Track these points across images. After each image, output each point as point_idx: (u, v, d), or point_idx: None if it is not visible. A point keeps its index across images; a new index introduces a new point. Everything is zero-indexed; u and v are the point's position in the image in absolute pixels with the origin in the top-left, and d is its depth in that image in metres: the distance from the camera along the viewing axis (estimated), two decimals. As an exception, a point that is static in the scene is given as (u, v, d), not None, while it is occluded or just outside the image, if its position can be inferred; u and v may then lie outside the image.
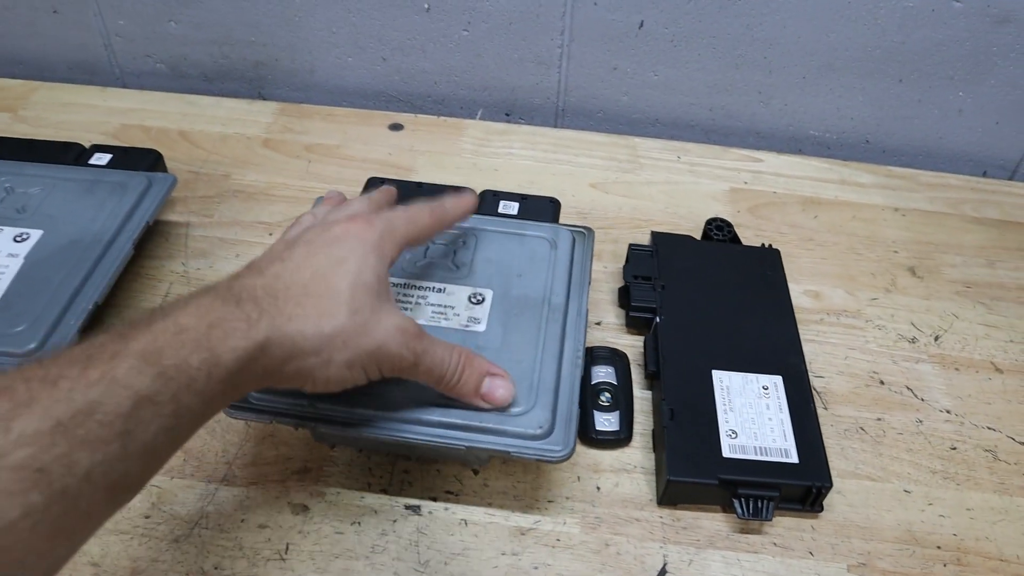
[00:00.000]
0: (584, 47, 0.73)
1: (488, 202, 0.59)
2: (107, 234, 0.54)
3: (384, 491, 0.48)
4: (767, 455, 0.47)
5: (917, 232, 0.67)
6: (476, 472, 0.49)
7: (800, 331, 0.55)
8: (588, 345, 0.53)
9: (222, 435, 0.50)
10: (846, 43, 0.70)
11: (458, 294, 0.50)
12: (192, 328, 0.34)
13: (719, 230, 0.62)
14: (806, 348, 0.54)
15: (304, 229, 0.43)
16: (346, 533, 0.46)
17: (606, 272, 0.62)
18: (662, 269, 0.58)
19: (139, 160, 0.62)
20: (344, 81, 0.79)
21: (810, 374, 0.53)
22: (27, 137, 0.65)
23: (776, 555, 0.46)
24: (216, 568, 0.44)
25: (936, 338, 0.59)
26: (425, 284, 0.51)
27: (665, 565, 0.45)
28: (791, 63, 0.72)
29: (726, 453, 0.47)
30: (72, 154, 0.62)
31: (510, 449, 0.43)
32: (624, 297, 0.58)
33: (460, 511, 0.47)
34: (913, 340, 0.59)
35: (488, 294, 0.50)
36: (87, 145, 0.63)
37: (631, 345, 0.56)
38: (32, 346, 0.47)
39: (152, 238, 0.62)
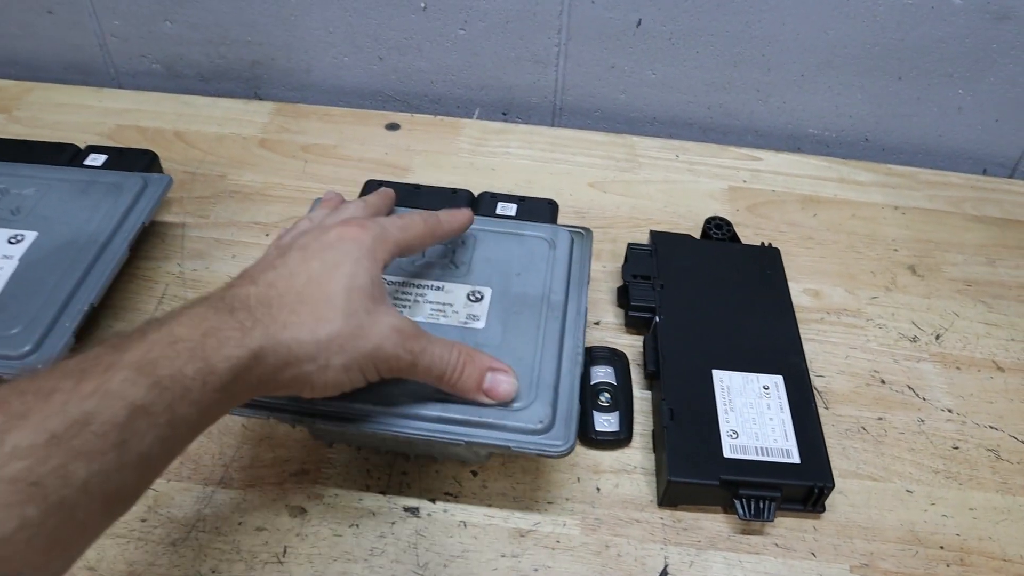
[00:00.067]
0: (581, 46, 0.73)
1: (486, 204, 0.59)
2: (102, 235, 0.54)
3: (382, 493, 0.48)
4: (768, 455, 0.47)
5: (917, 230, 0.67)
6: (475, 473, 0.49)
7: (800, 330, 0.54)
8: (587, 345, 0.53)
9: (219, 437, 0.50)
10: (845, 40, 0.70)
11: (456, 292, 0.50)
12: (186, 338, 0.33)
13: (718, 229, 0.62)
14: (806, 347, 0.54)
15: (299, 234, 0.43)
16: (344, 535, 0.46)
17: (605, 271, 0.62)
18: (661, 268, 0.58)
19: (134, 161, 0.62)
20: (341, 81, 0.79)
21: (811, 373, 0.52)
22: (22, 138, 0.65)
23: (778, 556, 0.46)
24: (213, 572, 0.44)
25: (937, 337, 0.59)
26: (423, 282, 0.50)
27: (666, 567, 0.45)
28: (789, 61, 0.72)
29: (727, 453, 0.47)
30: (67, 155, 0.62)
31: (510, 444, 0.42)
32: (623, 296, 0.58)
33: (459, 513, 0.47)
34: (914, 339, 0.58)
35: (487, 292, 0.50)
36: (82, 146, 0.63)
37: (630, 345, 0.56)
38: (27, 348, 0.47)
39: (148, 239, 0.62)
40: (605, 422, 0.50)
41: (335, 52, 0.77)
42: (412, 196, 0.58)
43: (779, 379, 0.51)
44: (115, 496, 0.30)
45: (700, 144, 0.74)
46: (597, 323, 0.58)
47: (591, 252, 0.54)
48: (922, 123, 0.74)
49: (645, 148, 0.74)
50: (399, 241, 0.44)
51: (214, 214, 0.65)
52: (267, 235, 0.63)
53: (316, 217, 0.47)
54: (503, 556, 0.45)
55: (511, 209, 0.58)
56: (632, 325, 0.57)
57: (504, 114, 0.79)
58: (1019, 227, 0.68)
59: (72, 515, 0.28)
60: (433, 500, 0.47)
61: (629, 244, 0.60)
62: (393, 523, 0.46)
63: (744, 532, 0.47)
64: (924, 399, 0.54)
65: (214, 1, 0.74)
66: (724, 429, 0.48)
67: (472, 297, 0.50)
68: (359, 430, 0.43)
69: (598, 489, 0.49)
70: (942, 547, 0.47)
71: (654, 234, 0.61)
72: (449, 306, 0.49)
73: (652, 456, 0.50)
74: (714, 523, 0.47)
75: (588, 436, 0.50)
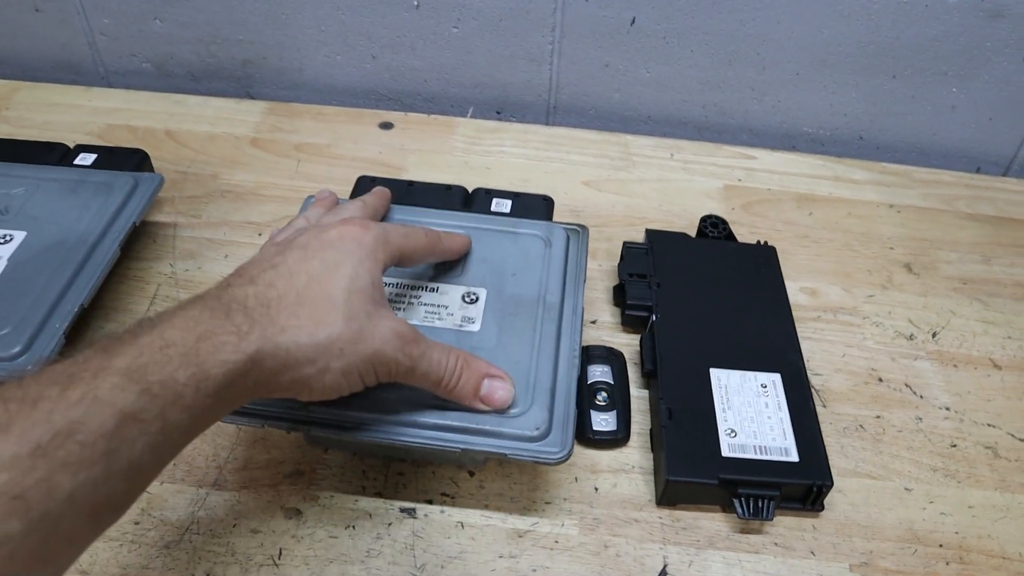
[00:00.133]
0: (575, 44, 0.73)
1: (480, 200, 0.58)
2: (92, 235, 0.53)
3: (379, 494, 0.47)
4: (767, 454, 0.47)
5: (912, 228, 0.67)
6: (472, 474, 0.48)
7: (797, 328, 0.54)
8: (583, 344, 0.52)
9: (212, 439, 0.49)
10: (839, 39, 0.70)
11: (451, 293, 0.49)
12: (179, 342, 0.33)
13: (714, 227, 0.62)
14: (803, 346, 0.54)
15: (297, 232, 0.43)
16: (340, 537, 0.45)
17: (600, 270, 0.61)
18: (657, 267, 0.58)
19: (125, 160, 0.61)
20: (333, 79, 0.78)
21: (808, 372, 0.52)
22: (10, 138, 0.64)
23: (777, 555, 0.46)
24: (208, 575, 0.43)
25: (934, 335, 0.58)
26: (418, 283, 0.50)
27: (665, 566, 0.45)
28: (784, 59, 0.72)
29: (725, 452, 0.47)
30: (56, 154, 0.61)
31: (507, 451, 0.42)
32: (619, 295, 0.58)
33: (456, 514, 0.47)
34: (911, 337, 0.58)
35: (482, 293, 0.49)
36: (71, 145, 0.62)
37: (627, 344, 0.56)
38: (16, 350, 0.46)
39: (139, 239, 0.61)
40: (603, 421, 0.50)
41: (327, 51, 0.76)
42: (406, 193, 0.58)
43: (777, 377, 0.51)
44: (104, 506, 0.30)
45: (695, 143, 0.74)
46: (593, 322, 0.58)
47: (587, 250, 0.54)
48: (916, 121, 0.74)
49: (639, 147, 0.73)
50: (401, 247, 0.43)
51: (206, 214, 0.64)
52: (260, 234, 0.63)
53: (312, 216, 0.47)
54: (501, 557, 0.45)
55: (506, 206, 0.58)
56: (628, 324, 0.57)
57: (498, 113, 0.79)
58: (1013, 225, 0.68)
59: (57, 528, 0.27)
60: (430, 501, 0.47)
61: (625, 242, 0.60)
62: (390, 524, 0.46)
63: (743, 531, 0.47)
64: (922, 397, 0.54)
65: (205, -1, 0.74)
66: (722, 428, 0.48)
67: (467, 299, 0.49)
68: (355, 438, 0.43)
69: (596, 489, 0.48)
70: (941, 545, 0.47)
71: (650, 232, 0.61)
72: (444, 308, 0.49)
73: (650, 455, 0.50)
74: (713, 522, 0.47)
75: (586, 436, 0.50)
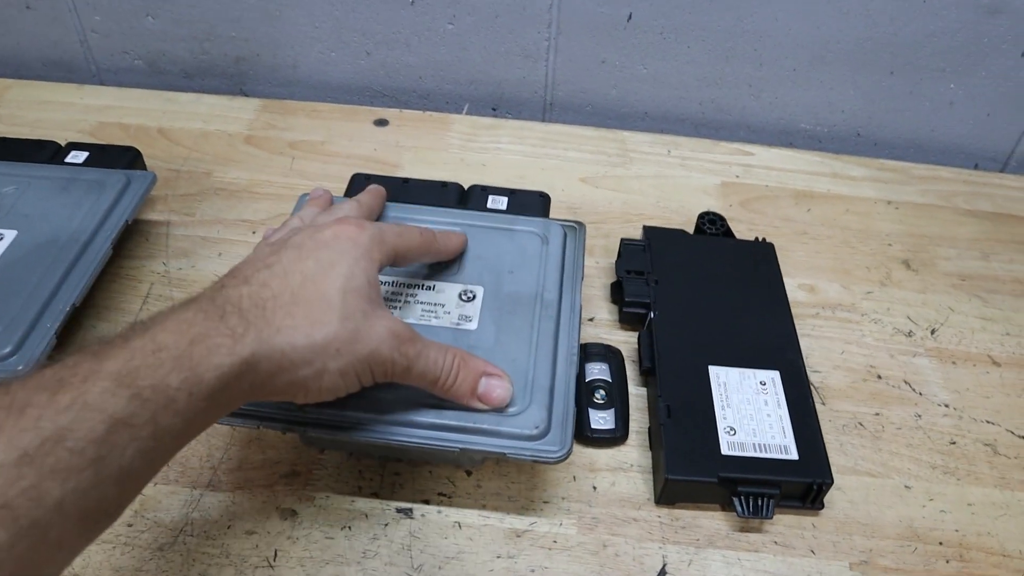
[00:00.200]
0: (572, 40, 0.72)
1: (476, 197, 0.58)
2: (84, 234, 0.53)
3: (375, 494, 0.47)
4: (766, 452, 0.46)
5: (910, 225, 0.67)
6: (469, 473, 0.48)
7: (796, 325, 0.54)
8: (581, 342, 0.52)
9: (206, 439, 0.49)
10: (837, 35, 0.69)
11: (448, 291, 0.49)
12: (171, 346, 0.32)
13: (712, 224, 0.62)
14: (802, 343, 0.53)
15: (292, 232, 0.42)
16: (336, 538, 0.45)
17: (598, 267, 0.61)
18: (655, 264, 0.57)
19: (117, 158, 0.60)
20: (327, 76, 0.78)
21: (807, 369, 0.52)
22: (1, 136, 0.63)
23: (777, 554, 0.45)
24: (202, 577, 0.43)
25: (932, 331, 0.58)
26: (414, 282, 0.49)
27: (664, 566, 0.44)
28: (782, 56, 0.71)
29: (725, 451, 0.46)
30: (47, 152, 0.60)
31: (506, 451, 0.42)
32: (617, 292, 0.57)
33: (453, 513, 0.46)
34: (909, 334, 0.58)
35: (479, 291, 0.49)
36: (63, 143, 0.62)
37: (625, 341, 0.55)
38: (7, 350, 0.46)
39: (131, 237, 0.61)
40: (601, 420, 0.50)
41: (321, 47, 0.75)
42: (401, 190, 0.57)
43: (776, 375, 0.50)
44: (94, 513, 0.29)
45: (692, 139, 0.74)
46: (591, 319, 0.57)
47: (584, 247, 0.53)
48: (914, 118, 0.74)
49: (637, 143, 0.73)
50: (396, 246, 0.43)
51: (199, 212, 0.64)
52: (254, 232, 0.62)
53: (307, 215, 0.46)
54: (499, 557, 0.44)
55: (502, 202, 0.57)
56: (626, 321, 0.56)
57: (494, 109, 0.79)
58: (1011, 221, 0.68)
59: (46, 535, 0.27)
60: (427, 501, 0.47)
61: (622, 239, 0.59)
62: (386, 525, 0.45)
63: (743, 530, 0.46)
64: (920, 394, 0.54)
65: (198, -5, 0.73)
66: (721, 426, 0.47)
67: (464, 297, 0.49)
68: (352, 438, 0.42)
69: (594, 488, 0.48)
70: (941, 543, 0.46)
71: (647, 229, 0.60)
72: (441, 306, 0.48)
73: (649, 454, 0.50)
74: (712, 521, 0.47)
75: (584, 434, 0.49)
